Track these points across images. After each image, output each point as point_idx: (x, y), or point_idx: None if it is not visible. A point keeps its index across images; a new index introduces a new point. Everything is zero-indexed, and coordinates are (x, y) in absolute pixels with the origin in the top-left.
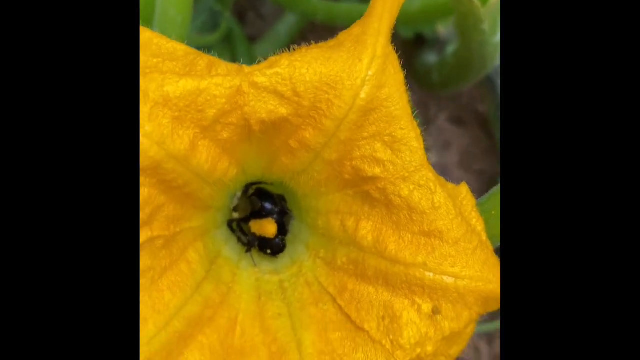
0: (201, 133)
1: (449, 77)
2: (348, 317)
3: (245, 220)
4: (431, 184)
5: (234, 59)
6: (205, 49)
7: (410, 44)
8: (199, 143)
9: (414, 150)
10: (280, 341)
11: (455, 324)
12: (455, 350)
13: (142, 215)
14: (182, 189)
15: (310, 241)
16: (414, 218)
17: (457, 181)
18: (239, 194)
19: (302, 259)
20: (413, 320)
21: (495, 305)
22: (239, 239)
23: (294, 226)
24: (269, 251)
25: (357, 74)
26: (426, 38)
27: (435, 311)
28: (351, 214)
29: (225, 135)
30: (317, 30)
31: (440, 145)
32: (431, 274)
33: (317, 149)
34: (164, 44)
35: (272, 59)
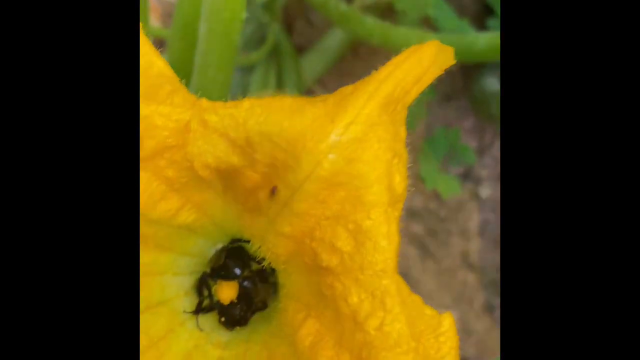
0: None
1: None
2: None
3: (213, 276)
4: (388, 300)
5: (280, 73)
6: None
7: (469, 66)
8: None
9: (379, 249)
10: None
11: None
12: None
13: None
14: None
15: (270, 326)
16: (357, 337)
17: None
18: (209, 246)
19: (254, 342)
20: None
21: None
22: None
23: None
24: (222, 319)
25: (322, 136)
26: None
27: None
28: (306, 307)
29: (170, 173)
30: (370, 45)
31: (494, 177)
32: None
33: (269, 215)
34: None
35: (240, 101)
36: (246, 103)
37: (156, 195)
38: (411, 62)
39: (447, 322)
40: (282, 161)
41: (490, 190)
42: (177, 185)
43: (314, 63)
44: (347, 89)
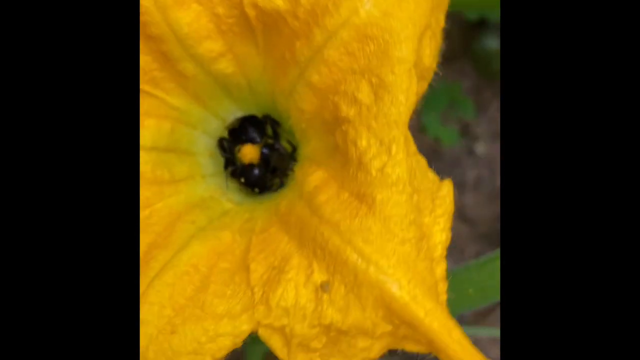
0: None
1: None
2: (247, 253)
3: (232, 142)
4: (394, 147)
5: None
6: None
7: (471, 27)
8: (191, 4)
9: (396, 102)
10: (172, 238)
11: (338, 317)
12: None
13: None
14: (158, 43)
15: (280, 194)
16: (359, 176)
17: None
18: (240, 114)
19: (264, 204)
20: (296, 283)
21: (405, 330)
22: (224, 157)
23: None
24: (242, 180)
25: None
26: (489, 22)
27: (324, 287)
28: (317, 164)
29: (220, 10)
30: None
31: (489, 135)
32: (337, 240)
33: (301, 62)
34: None
35: None
36: None
37: (203, 31)
38: None
39: (446, 188)
40: (323, 6)
41: (485, 147)
42: (224, 26)
43: None
44: None
